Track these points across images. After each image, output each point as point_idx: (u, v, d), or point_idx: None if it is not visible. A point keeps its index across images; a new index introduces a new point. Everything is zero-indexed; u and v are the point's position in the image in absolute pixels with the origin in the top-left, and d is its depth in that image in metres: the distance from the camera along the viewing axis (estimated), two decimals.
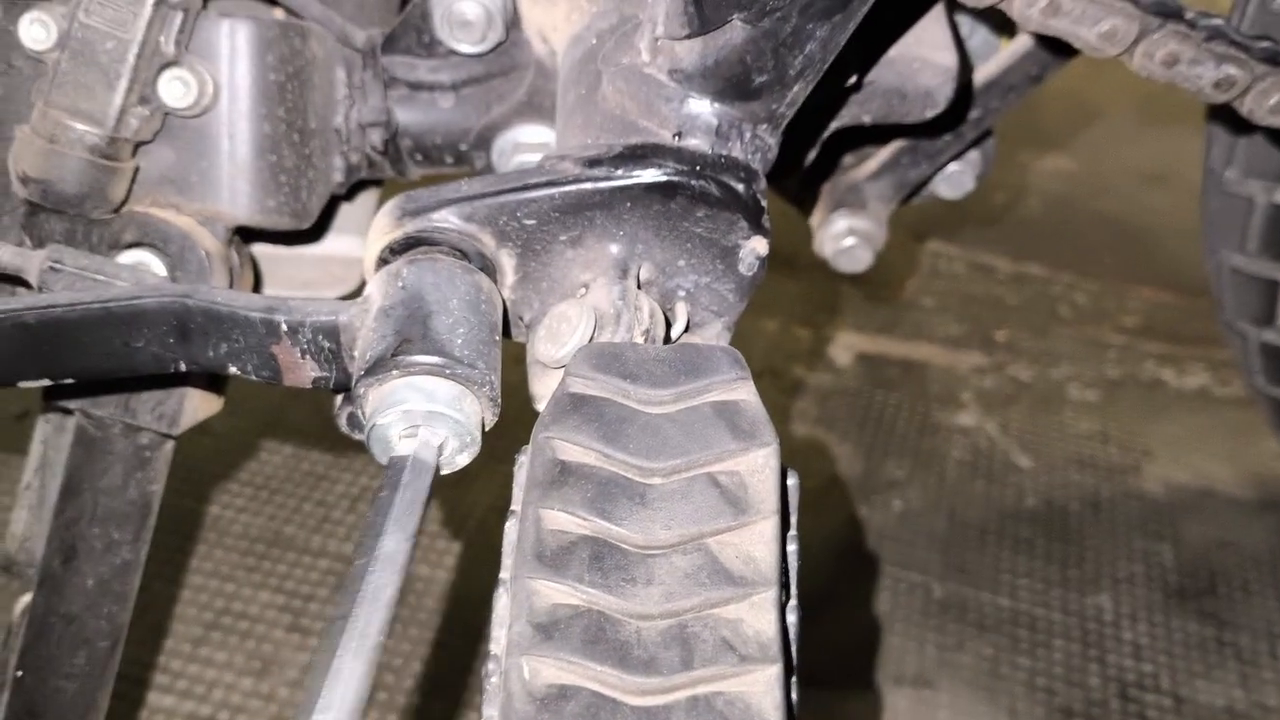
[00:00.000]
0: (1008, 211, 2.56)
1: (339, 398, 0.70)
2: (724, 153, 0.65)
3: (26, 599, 0.86)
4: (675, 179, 0.64)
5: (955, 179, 1.16)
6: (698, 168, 0.65)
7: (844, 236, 1.11)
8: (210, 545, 1.54)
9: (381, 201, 0.98)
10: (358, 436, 0.71)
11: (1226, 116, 1.08)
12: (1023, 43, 1.06)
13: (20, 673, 0.83)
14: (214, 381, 0.83)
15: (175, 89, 0.76)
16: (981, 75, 1.06)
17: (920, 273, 2.33)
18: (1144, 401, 2.04)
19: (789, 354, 2.07)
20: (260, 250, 0.90)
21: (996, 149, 1.17)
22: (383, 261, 0.66)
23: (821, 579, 1.62)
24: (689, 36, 0.64)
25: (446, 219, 0.65)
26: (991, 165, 1.18)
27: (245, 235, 0.85)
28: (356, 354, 0.62)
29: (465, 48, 0.86)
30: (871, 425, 1.94)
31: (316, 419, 1.77)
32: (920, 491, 1.81)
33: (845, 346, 2.11)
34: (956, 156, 1.13)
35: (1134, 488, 1.85)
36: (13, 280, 0.74)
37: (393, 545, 0.55)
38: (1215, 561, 1.73)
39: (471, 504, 1.65)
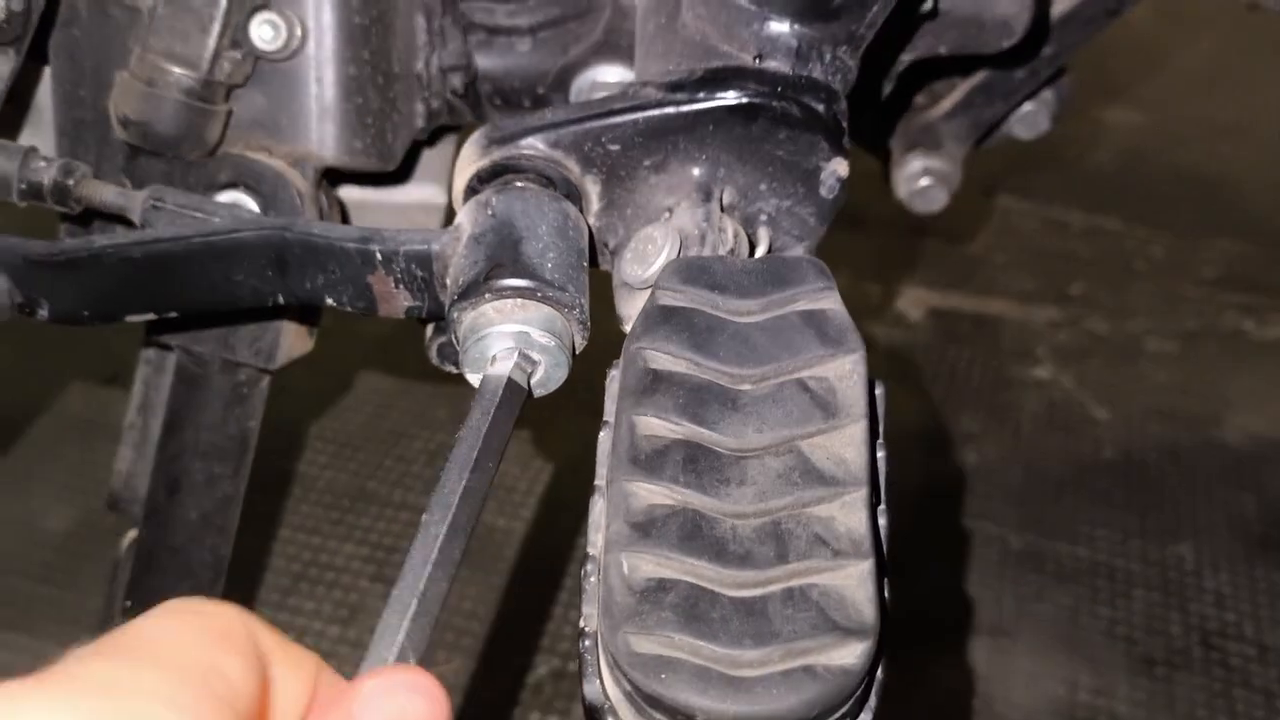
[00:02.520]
0: (1079, 165, 2.52)
1: (430, 329, 0.72)
2: (805, 74, 0.66)
3: (132, 534, 0.89)
4: (757, 100, 0.65)
5: (1030, 119, 1.15)
6: (779, 89, 0.66)
7: (919, 177, 1.11)
8: (296, 500, 1.59)
9: (458, 147, 1.00)
10: (449, 368, 0.72)
11: None
12: None
13: (129, 603, 0.87)
14: (305, 315, 0.85)
15: (265, 32, 0.78)
16: (1058, 9, 1.05)
17: (991, 228, 2.31)
18: (1224, 352, 2.01)
19: (860, 310, 2.06)
20: (345, 195, 0.92)
21: (1072, 88, 1.16)
22: (471, 190, 0.68)
23: (897, 531, 1.62)
24: None
25: (533, 146, 0.67)
26: (1067, 105, 1.16)
27: (332, 179, 0.88)
28: (449, 281, 0.63)
29: None
30: (944, 380, 1.93)
31: (395, 380, 1.80)
32: (995, 445, 1.80)
33: (917, 302, 2.10)
34: (1031, 95, 1.12)
35: (1214, 438, 1.82)
36: (117, 219, 0.77)
37: (483, 459, 0.56)
38: None
39: (548, 456, 1.67)
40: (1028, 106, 1.14)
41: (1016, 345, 2.01)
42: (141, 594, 0.87)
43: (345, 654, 1.37)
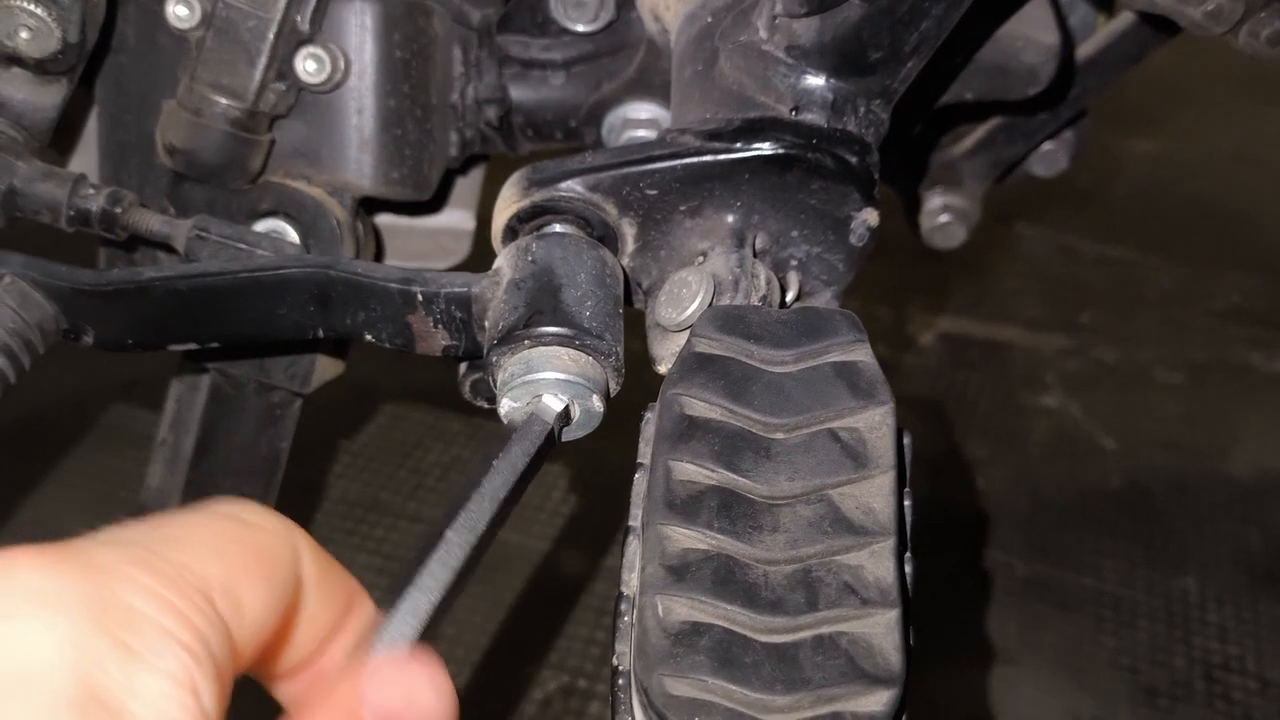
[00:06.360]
0: (1094, 193, 2.54)
1: (463, 365, 0.73)
2: (839, 127, 0.68)
3: None
4: (793, 152, 0.67)
5: (1050, 157, 1.16)
6: (814, 141, 0.67)
7: (939, 214, 1.12)
8: (309, 509, 1.60)
9: (487, 176, 1.02)
10: (481, 403, 0.74)
11: None
12: (1122, 21, 1.06)
13: None
14: (339, 344, 0.87)
15: (310, 65, 0.80)
16: (1080, 54, 1.07)
17: (1004, 254, 2.33)
18: (1232, 385, 2.02)
19: (870, 333, 2.06)
20: (378, 221, 0.94)
21: (1089, 128, 1.18)
22: (510, 230, 0.69)
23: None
24: (807, 14, 0.66)
25: (572, 189, 0.68)
26: (1085, 144, 1.18)
27: (368, 206, 0.89)
28: (488, 324, 0.65)
29: (578, 26, 0.89)
30: (953, 405, 1.94)
31: (408, 391, 1.82)
32: (1002, 471, 1.81)
33: (927, 326, 2.12)
34: (1052, 135, 1.14)
35: (1221, 471, 1.83)
36: (159, 246, 0.78)
37: (498, 492, 0.56)
38: None
39: (557, 475, 1.69)
40: (1048, 145, 1.16)
41: (1026, 372, 2.02)
42: None
43: None
